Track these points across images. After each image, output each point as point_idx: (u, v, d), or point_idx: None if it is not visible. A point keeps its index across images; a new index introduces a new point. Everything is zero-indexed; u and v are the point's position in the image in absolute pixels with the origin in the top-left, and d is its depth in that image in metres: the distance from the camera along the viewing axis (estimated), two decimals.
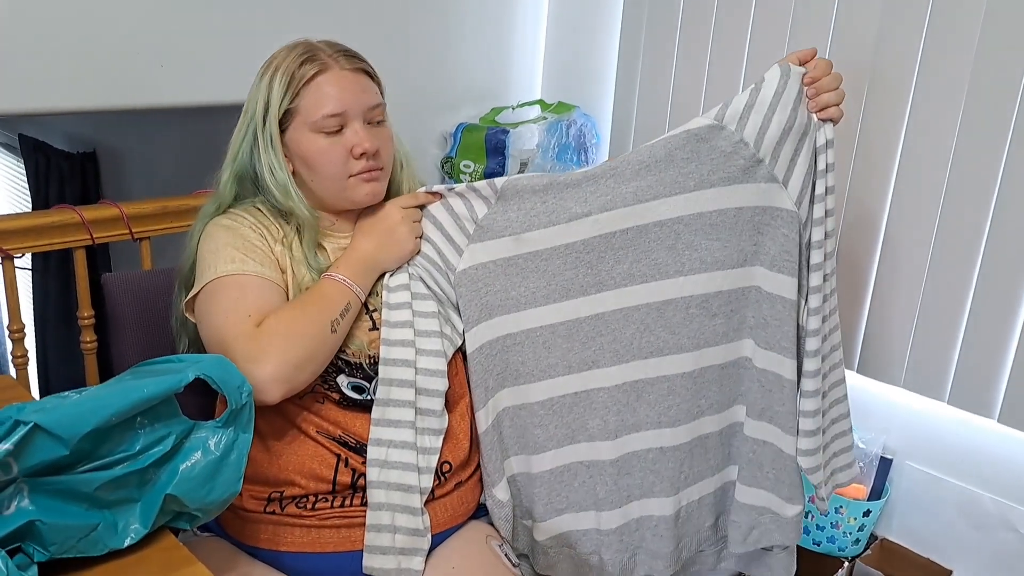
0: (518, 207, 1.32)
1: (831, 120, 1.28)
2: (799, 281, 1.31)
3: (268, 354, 1.16)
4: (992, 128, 1.56)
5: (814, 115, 1.27)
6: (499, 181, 1.32)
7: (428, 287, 1.35)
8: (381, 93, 1.38)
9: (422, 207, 1.36)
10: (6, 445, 0.88)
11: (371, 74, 1.36)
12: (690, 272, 1.31)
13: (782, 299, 1.31)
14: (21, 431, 0.88)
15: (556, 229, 1.31)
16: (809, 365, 1.32)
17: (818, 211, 1.28)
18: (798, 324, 1.33)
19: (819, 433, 1.35)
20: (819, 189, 1.28)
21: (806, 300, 1.32)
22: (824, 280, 1.30)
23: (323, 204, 1.36)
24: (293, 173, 1.34)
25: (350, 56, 1.34)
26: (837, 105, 1.28)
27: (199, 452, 1.02)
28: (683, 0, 2.01)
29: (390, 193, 1.40)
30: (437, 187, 1.35)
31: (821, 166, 1.28)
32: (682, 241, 1.30)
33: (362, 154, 1.29)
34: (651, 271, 1.31)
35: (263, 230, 1.32)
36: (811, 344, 1.31)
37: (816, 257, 1.29)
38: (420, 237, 1.34)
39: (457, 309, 1.37)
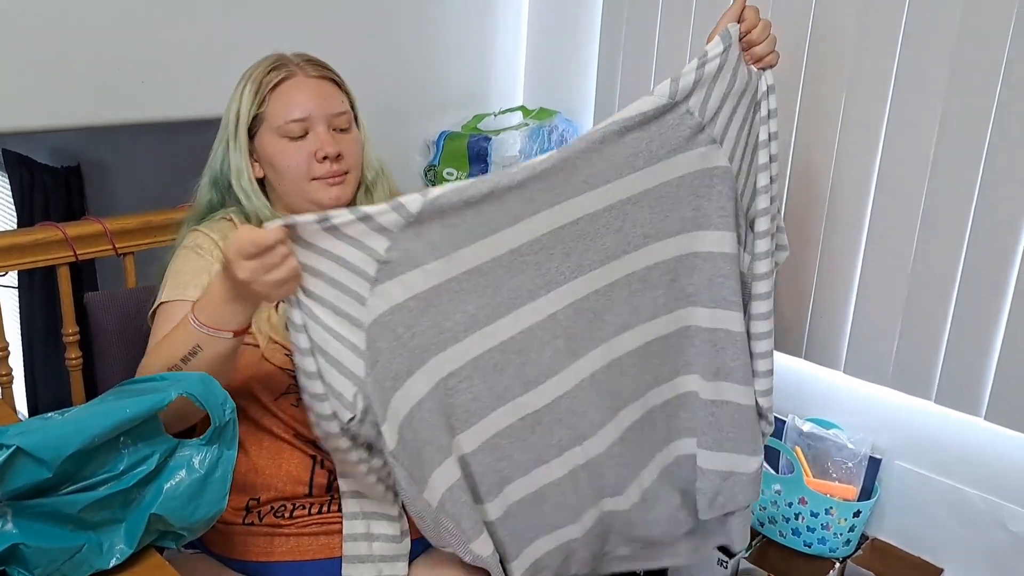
0: (442, 225, 1.10)
1: (769, 66, 1.29)
2: (736, 232, 1.30)
3: None
4: (973, 122, 1.56)
5: (752, 67, 1.28)
6: (413, 204, 1.07)
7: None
8: (351, 103, 1.42)
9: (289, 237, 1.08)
10: None
11: (337, 83, 1.41)
12: (633, 249, 1.25)
13: (724, 255, 1.30)
14: (3, 455, 0.88)
15: (497, 237, 1.15)
16: (761, 307, 1.34)
17: (763, 157, 1.29)
18: (741, 274, 1.33)
19: (772, 373, 1.38)
20: (763, 135, 1.29)
21: (752, 247, 1.32)
22: (772, 221, 1.32)
23: (291, 207, 1.38)
24: (263, 178, 1.40)
25: (316, 64, 1.40)
26: (771, 52, 1.29)
27: (183, 471, 1.02)
28: (662, 5, 2.02)
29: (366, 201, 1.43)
30: (301, 218, 1.02)
31: (764, 112, 1.28)
32: (629, 220, 1.23)
33: (324, 157, 1.33)
34: (599, 257, 1.23)
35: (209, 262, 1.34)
36: (762, 287, 1.33)
37: (763, 202, 1.30)
38: (289, 278, 1.03)
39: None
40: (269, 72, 1.37)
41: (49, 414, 0.98)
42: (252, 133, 1.38)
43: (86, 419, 0.95)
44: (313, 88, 1.37)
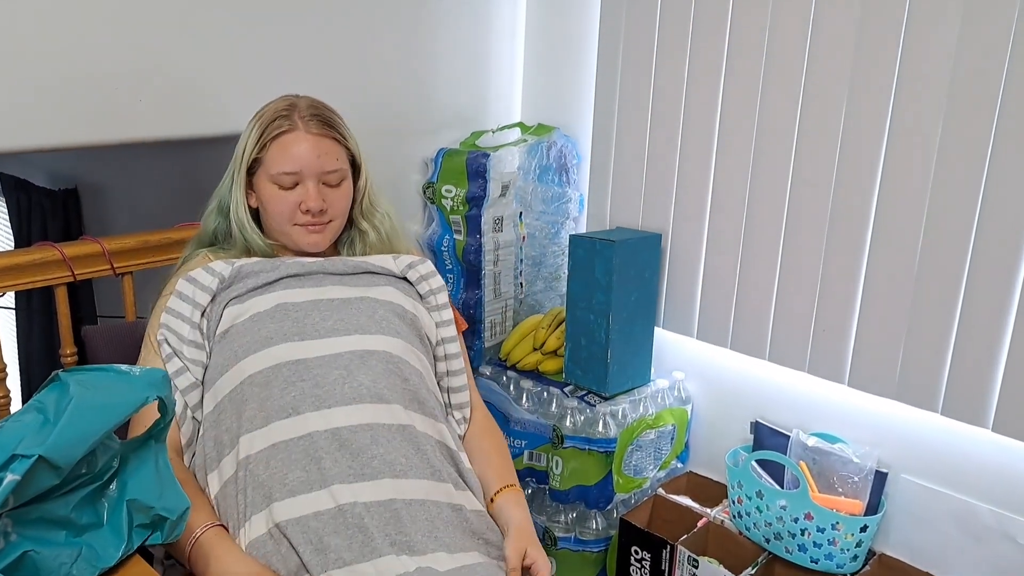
0: (242, 285, 1.44)
1: None
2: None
3: None
4: (975, 133, 1.57)
5: None
6: (226, 271, 1.45)
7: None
8: (353, 155, 1.54)
9: None
10: (14, 476, 0.88)
11: (338, 140, 1.50)
12: (388, 335, 1.43)
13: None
14: (26, 464, 0.88)
15: (272, 295, 1.43)
16: None
17: None
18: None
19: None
20: None
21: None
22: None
23: (276, 239, 1.54)
24: (258, 211, 1.53)
25: (321, 121, 1.49)
26: None
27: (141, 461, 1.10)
28: (659, 19, 2.02)
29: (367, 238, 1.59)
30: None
31: None
32: (379, 314, 1.45)
33: (307, 211, 1.47)
34: (354, 328, 1.41)
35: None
36: None
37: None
38: None
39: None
40: (275, 120, 1.46)
41: (21, 416, 0.97)
42: (252, 171, 1.49)
43: (87, 421, 0.96)
44: (311, 144, 1.46)
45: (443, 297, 1.57)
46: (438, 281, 1.57)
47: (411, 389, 1.39)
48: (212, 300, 1.43)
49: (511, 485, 1.48)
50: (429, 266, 1.58)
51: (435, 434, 1.39)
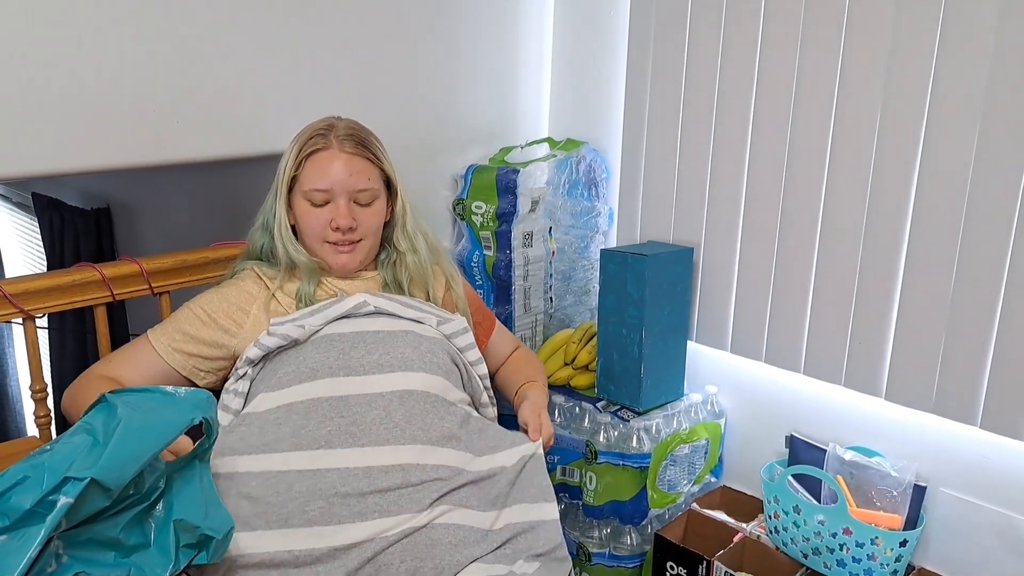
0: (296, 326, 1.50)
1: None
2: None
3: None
4: (1010, 145, 1.55)
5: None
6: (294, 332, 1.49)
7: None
8: (388, 177, 1.58)
9: None
10: (67, 499, 0.89)
11: (372, 159, 1.55)
12: (431, 372, 1.47)
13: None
14: (78, 487, 0.90)
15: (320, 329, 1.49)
16: None
17: None
18: None
19: None
20: None
21: None
22: None
23: (312, 256, 1.57)
24: (295, 225, 1.57)
25: (355, 141, 1.54)
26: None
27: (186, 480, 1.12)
28: (689, 33, 2.02)
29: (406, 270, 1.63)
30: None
31: None
32: (424, 346, 1.50)
33: (337, 228, 1.52)
34: (398, 363, 1.45)
35: (245, 296, 1.53)
36: None
37: None
38: None
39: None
40: (312, 138, 1.52)
41: (71, 438, 0.98)
42: (292, 189, 1.54)
43: (136, 443, 0.97)
44: (343, 162, 1.51)
45: (474, 354, 1.63)
46: (468, 338, 1.62)
47: (446, 427, 1.42)
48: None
49: (533, 380, 1.62)
50: (461, 322, 1.61)
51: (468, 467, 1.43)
